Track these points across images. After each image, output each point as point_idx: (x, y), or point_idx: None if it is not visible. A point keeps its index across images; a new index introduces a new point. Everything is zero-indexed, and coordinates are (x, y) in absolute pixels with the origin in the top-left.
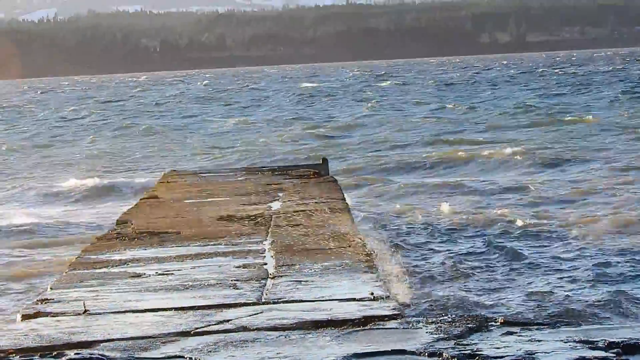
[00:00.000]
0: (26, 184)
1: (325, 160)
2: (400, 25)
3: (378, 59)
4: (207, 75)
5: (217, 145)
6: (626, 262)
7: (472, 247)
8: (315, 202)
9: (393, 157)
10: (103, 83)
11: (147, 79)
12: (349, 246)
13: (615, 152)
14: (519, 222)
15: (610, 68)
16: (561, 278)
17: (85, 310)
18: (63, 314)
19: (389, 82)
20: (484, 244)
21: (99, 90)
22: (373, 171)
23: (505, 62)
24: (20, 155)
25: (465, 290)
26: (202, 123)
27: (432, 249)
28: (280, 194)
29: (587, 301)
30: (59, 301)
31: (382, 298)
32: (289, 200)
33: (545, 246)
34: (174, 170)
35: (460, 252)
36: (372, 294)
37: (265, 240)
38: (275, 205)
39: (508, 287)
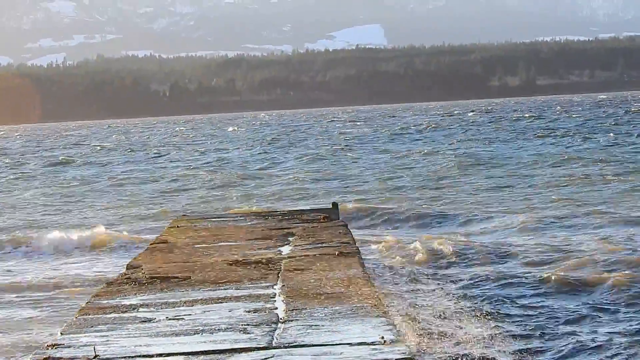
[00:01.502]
0: None
1: (335, 205)
2: (409, 69)
3: (388, 102)
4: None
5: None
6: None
7: (476, 289)
8: (326, 247)
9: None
10: (90, 128)
11: (130, 122)
12: (359, 290)
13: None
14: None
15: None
16: (558, 320)
17: (96, 356)
18: (74, 359)
19: (361, 125)
20: (487, 288)
21: (82, 137)
22: None
23: (492, 106)
24: None
25: (475, 333)
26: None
27: (439, 292)
28: (291, 238)
29: (598, 351)
30: (70, 346)
31: (393, 342)
32: (299, 245)
33: (540, 292)
34: (184, 215)
35: (467, 295)
36: (382, 337)
37: (276, 284)
38: (286, 250)
39: (519, 330)
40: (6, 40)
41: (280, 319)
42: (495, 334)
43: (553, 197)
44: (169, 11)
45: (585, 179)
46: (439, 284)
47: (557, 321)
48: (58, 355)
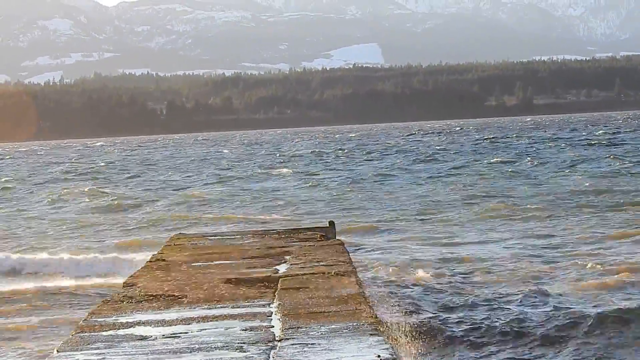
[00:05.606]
0: None
1: (332, 223)
2: (406, 88)
3: (384, 121)
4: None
5: None
6: None
7: (471, 309)
8: (322, 265)
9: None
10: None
11: (110, 142)
12: (356, 309)
13: None
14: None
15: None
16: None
17: None
18: None
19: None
20: (483, 306)
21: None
22: None
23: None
24: None
25: (471, 353)
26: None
27: (435, 311)
28: (287, 257)
29: None
30: None
31: None
32: (295, 263)
33: (533, 305)
34: (181, 233)
35: (460, 314)
36: (379, 356)
37: (272, 303)
38: (282, 268)
39: (514, 349)
40: (3, 58)
41: (277, 337)
42: None
43: None
44: (166, 29)
45: None
46: None
47: None
48: None
